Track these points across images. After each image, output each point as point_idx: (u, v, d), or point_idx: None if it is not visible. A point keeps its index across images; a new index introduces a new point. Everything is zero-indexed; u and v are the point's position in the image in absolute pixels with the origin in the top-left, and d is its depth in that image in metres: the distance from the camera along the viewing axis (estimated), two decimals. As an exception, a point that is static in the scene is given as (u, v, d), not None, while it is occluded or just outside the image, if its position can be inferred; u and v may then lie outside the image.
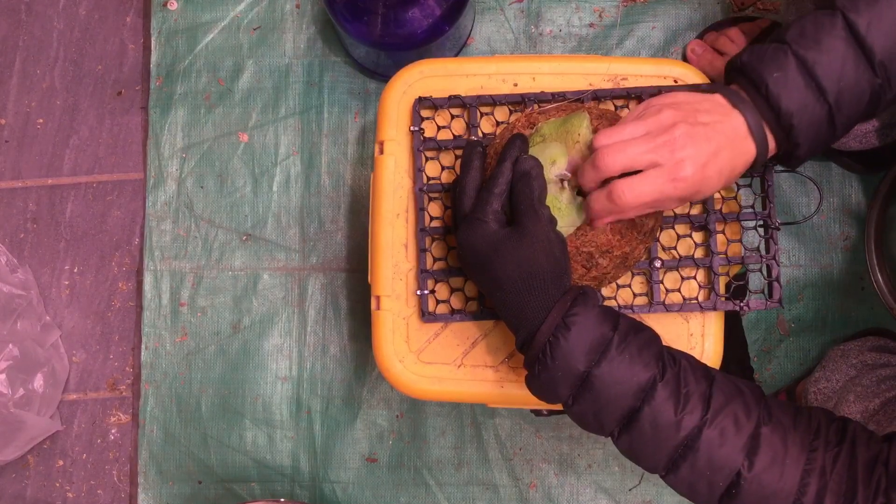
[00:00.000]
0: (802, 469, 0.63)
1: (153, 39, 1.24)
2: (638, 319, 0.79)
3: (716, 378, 0.67)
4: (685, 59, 1.18)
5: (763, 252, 0.80)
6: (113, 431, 1.21)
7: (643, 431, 0.65)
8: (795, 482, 0.63)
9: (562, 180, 0.71)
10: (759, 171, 0.77)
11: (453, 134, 0.82)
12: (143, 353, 1.21)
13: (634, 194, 0.65)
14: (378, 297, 0.82)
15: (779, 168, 0.80)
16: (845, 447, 0.64)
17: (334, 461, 1.18)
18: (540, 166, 0.69)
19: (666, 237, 0.80)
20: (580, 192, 0.72)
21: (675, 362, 0.67)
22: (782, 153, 0.68)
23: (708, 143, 0.64)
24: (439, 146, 0.82)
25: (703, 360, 0.80)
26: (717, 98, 0.67)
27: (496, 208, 0.69)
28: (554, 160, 0.71)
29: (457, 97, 0.81)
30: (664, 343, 0.69)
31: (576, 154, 0.71)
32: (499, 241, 0.68)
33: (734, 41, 1.13)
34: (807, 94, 0.64)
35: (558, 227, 0.70)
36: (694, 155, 0.64)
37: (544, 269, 0.67)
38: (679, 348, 0.79)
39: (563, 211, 0.71)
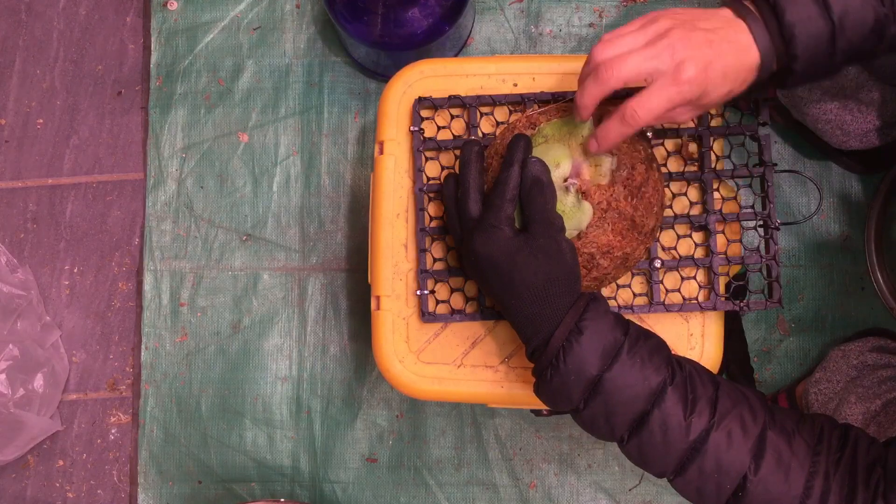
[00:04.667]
0: (807, 472, 0.63)
1: (153, 39, 1.24)
2: (638, 320, 0.79)
3: (721, 383, 0.68)
4: (685, 58, 1.18)
5: (763, 252, 0.79)
6: (113, 431, 1.21)
7: (653, 435, 0.65)
8: (800, 486, 0.63)
9: (566, 183, 0.71)
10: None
11: (453, 134, 0.82)
12: (143, 353, 1.21)
13: (646, 110, 0.65)
14: (378, 298, 0.82)
15: (779, 168, 0.80)
16: (847, 451, 0.64)
17: (334, 461, 1.18)
18: (549, 171, 0.69)
19: (666, 237, 0.80)
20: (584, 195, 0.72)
21: (683, 367, 0.67)
22: (780, 69, 0.67)
23: (709, 46, 0.64)
24: (439, 146, 0.82)
25: (703, 361, 0.80)
26: (722, 11, 0.67)
27: (509, 214, 0.68)
28: (558, 162, 0.71)
29: (457, 97, 0.81)
30: (664, 344, 0.70)
31: (579, 156, 0.71)
32: (515, 249, 0.68)
33: (734, 41, 1.13)
34: (812, 8, 0.64)
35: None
36: (694, 56, 0.63)
37: (559, 278, 0.67)
38: (679, 348, 0.80)
39: (567, 214, 0.70)
